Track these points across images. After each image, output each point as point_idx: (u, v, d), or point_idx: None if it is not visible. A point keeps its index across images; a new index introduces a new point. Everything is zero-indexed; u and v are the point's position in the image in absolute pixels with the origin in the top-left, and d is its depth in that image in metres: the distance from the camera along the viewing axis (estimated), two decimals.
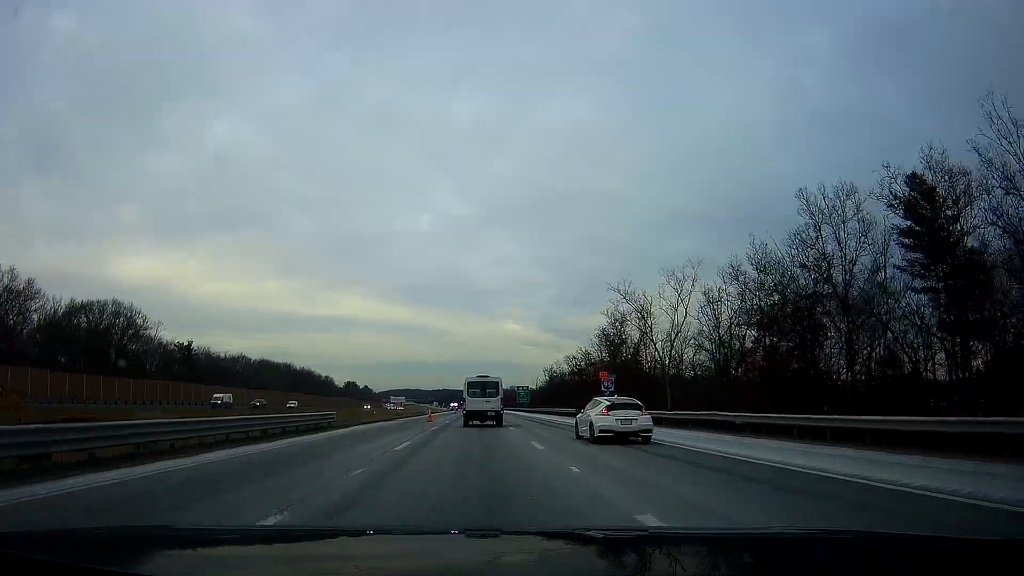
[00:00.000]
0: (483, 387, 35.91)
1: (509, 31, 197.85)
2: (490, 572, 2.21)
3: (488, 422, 34.42)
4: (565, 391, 78.22)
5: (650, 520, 6.94)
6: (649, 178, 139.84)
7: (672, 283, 54.48)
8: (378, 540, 2.85)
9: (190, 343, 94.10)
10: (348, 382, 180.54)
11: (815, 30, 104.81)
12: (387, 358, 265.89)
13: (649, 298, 57.90)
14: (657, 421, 31.83)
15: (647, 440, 20.17)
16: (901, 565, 2.17)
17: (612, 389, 39.71)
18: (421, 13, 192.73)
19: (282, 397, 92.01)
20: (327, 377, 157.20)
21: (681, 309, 53.29)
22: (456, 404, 70.51)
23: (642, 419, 20.45)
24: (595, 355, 70.62)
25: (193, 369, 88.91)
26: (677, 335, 54.54)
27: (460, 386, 38.35)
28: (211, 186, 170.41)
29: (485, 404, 35.22)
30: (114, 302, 78.77)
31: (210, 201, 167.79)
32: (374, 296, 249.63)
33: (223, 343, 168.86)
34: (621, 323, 64.69)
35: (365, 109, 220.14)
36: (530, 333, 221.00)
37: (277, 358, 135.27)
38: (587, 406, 22.43)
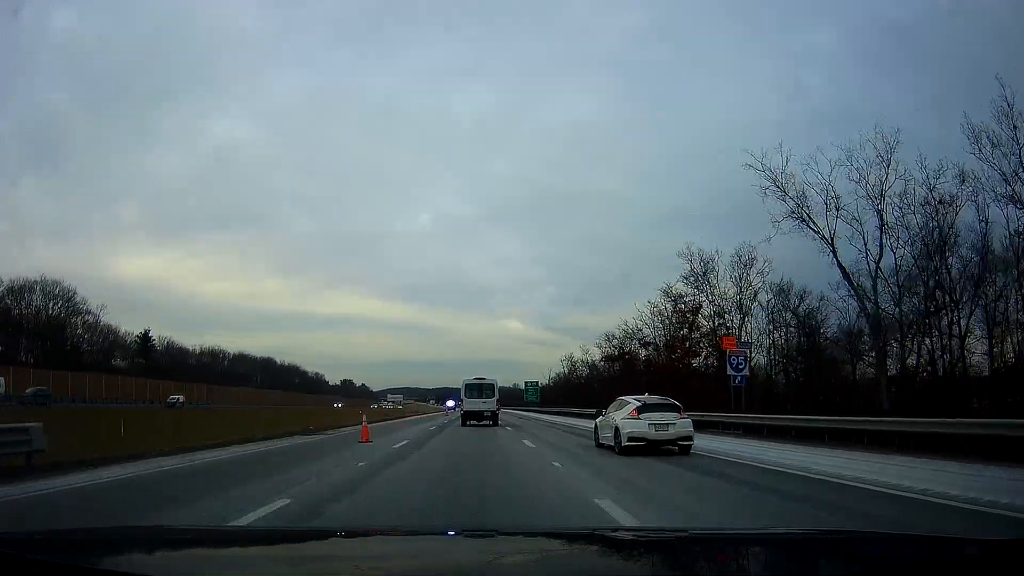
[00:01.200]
0: (480, 388, 38.05)
1: (510, 30, 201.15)
2: (488, 572, 2.24)
3: (485, 421, 36.29)
4: (595, 384, 63.31)
5: None
6: (649, 177, 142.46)
7: (871, 150, 29.41)
8: (377, 541, 2.93)
9: (147, 332, 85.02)
10: (344, 379, 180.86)
11: (817, 30, 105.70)
12: (387, 357, 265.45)
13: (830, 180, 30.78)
14: (855, 437, 19.08)
15: (686, 451, 16.43)
16: (901, 565, 2.19)
17: (744, 370, 30.47)
18: (422, 12, 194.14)
19: (227, 394, 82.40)
20: (317, 374, 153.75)
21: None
22: (452, 403, 70.67)
23: (681, 423, 16.63)
24: (647, 331, 50.92)
25: (151, 363, 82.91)
26: (881, 260, 29.93)
27: (460, 385, 39.81)
28: (211, 185, 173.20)
29: (482, 405, 37.11)
30: (48, 281, 68.75)
31: (210, 200, 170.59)
32: (374, 295, 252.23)
33: (224, 342, 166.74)
34: (705, 270, 42.41)
35: (366, 108, 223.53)
36: (531, 332, 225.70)
37: (275, 357, 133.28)
38: (610, 407, 18.59)
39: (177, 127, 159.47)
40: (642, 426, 16.22)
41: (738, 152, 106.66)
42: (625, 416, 16.58)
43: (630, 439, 16.11)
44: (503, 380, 40.96)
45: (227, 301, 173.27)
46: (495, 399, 37.92)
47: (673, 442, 16.54)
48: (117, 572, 1.96)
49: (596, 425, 19.36)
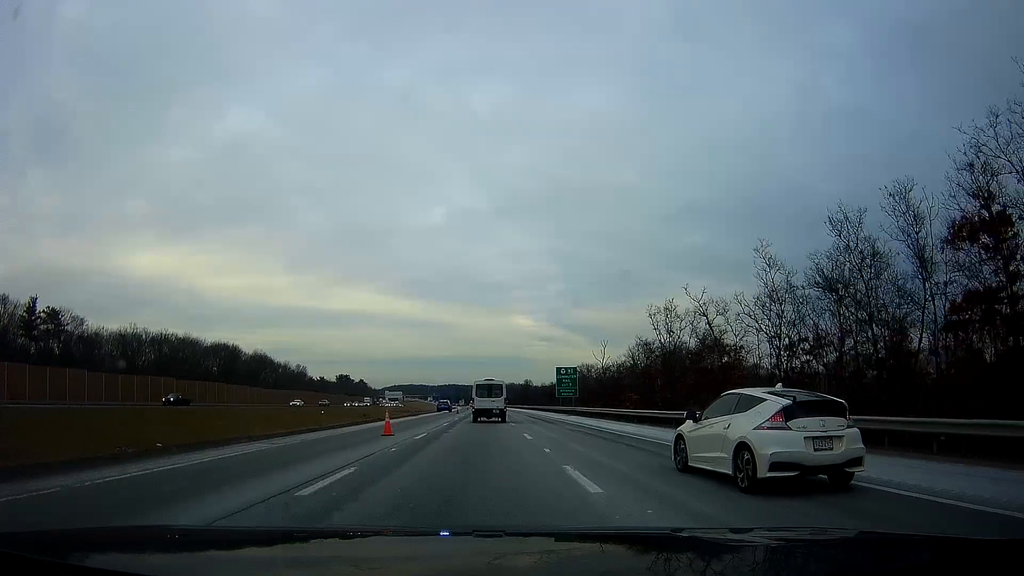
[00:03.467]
0: (489, 389, 43.50)
1: (528, 21, 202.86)
2: (493, 573, 2.26)
3: (494, 418, 41.22)
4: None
5: None
6: (664, 171, 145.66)
7: None
8: (379, 541, 2.97)
9: (34, 302, 70.56)
10: (340, 375, 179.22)
11: (833, 28, 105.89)
12: (393, 354, 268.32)
13: None
14: None
15: (846, 481, 10.03)
16: (902, 565, 2.23)
17: None
18: (437, 4, 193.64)
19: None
20: (299, 366, 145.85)
21: None
22: (448, 401, 78.14)
23: (849, 436, 9.91)
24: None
25: (62, 348, 72.71)
26: None
27: (466, 382, 47.22)
28: (221, 180, 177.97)
29: (491, 403, 42.62)
30: None
31: (219, 195, 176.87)
32: (383, 291, 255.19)
33: (228, 338, 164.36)
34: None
35: (380, 101, 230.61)
36: (540, 328, 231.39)
37: (280, 355, 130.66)
38: (713, 409, 11.60)
39: (188, 118, 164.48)
40: (795, 441, 9.37)
41: (750, 148, 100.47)
42: (762, 424, 9.61)
43: (776, 465, 9.23)
44: (510, 377, 39.12)
45: (235, 297, 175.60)
46: (503, 398, 43.57)
47: (838, 468, 9.77)
48: (117, 572, 1.99)
49: (682, 436, 12.27)
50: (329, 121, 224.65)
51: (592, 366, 75.39)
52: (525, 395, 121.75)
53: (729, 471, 10.04)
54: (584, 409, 58.52)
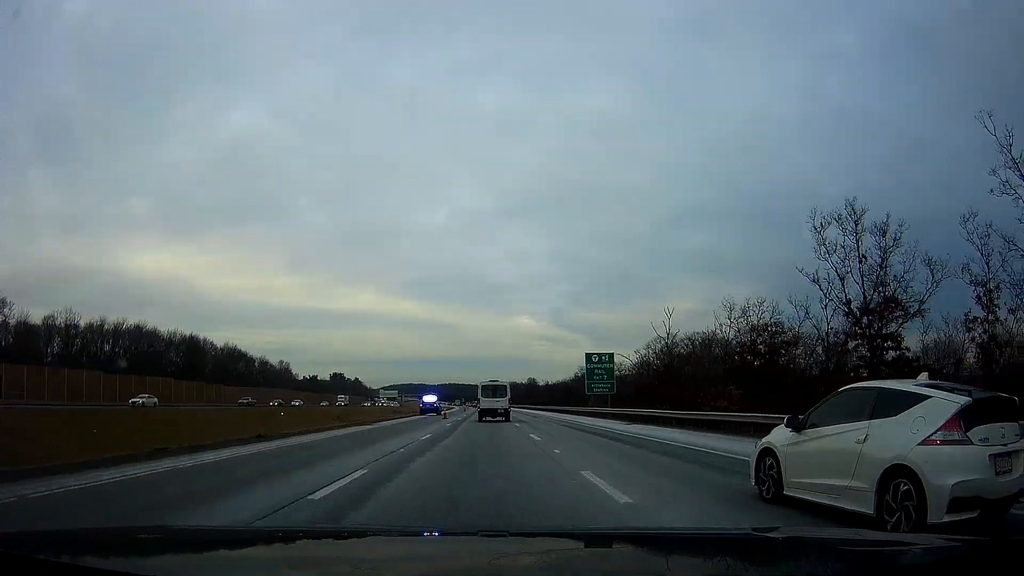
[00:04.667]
0: (494, 390, 46.13)
1: (535, 21, 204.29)
2: (495, 573, 2.26)
3: (498, 417, 43.06)
4: None
5: None
6: (669, 172, 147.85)
7: None
8: (380, 541, 2.91)
9: None
10: (334, 373, 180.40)
11: (838, 30, 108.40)
12: (395, 354, 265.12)
13: None
14: None
15: (1004, 512, 7.23)
16: (901, 565, 2.23)
17: None
18: (443, 4, 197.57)
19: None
20: (283, 363, 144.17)
21: None
22: (432, 399, 74.84)
23: None
24: None
25: None
26: None
27: (468, 382, 48.69)
28: (223, 179, 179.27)
29: (496, 403, 44.88)
30: None
31: (222, 195, 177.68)
32: (386, 291, 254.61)
33: (233, 338, 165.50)
34: None
35: (385, 100, 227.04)
36: (542, 329, 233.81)
37: (280, 355, 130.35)
38: (822, 413, 8.64)
39: (192, 117, 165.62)
40: (979, 463, 6.62)
41: (755, 150, 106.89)
42: (931, 436, 6.70)
43: (957, 501, 6.40)
44: (514, 376, 39.45)
45: (236, 297, 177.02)
46: (507, 398, 46.30)
47: (1013, 500, 7.09)
48: (118, 572, 2.04)
49: (773, 451, 9.26)
50: (333, 120, 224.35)
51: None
52: (530, 393, 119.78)
53: (868, 509, 7.06)
54: (642, 412, 41.17)
